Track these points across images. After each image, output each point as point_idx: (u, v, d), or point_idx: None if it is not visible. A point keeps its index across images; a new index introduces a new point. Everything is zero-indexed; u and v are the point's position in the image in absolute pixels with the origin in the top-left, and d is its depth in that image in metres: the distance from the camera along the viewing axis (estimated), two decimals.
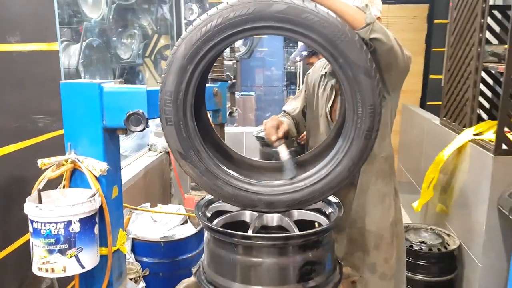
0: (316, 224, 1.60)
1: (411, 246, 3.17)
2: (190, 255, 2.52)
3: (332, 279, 1.53)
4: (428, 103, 5.99)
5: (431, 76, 6.02)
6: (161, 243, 2.42)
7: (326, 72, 2.02)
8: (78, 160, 1.52)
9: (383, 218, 2.04)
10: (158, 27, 4.48)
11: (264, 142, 2.98)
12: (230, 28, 1.34)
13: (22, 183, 1.75)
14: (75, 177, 1.58)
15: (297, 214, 1.61)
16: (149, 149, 3.77)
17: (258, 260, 1.41)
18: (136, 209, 2.56)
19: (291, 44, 7.39)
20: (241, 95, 7.33)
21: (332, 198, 1.68)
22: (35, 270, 1.43)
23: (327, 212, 1.65)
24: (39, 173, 1.51)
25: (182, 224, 2.73)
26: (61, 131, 1.98)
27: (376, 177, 2.01)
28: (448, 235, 3.29)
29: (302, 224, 1.56)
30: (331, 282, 1.51)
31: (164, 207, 2.78)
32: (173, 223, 2.67)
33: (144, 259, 2.35)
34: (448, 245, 3.16)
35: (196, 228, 2.68)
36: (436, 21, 5.86)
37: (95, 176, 1.52)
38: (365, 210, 2.02)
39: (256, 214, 1.56)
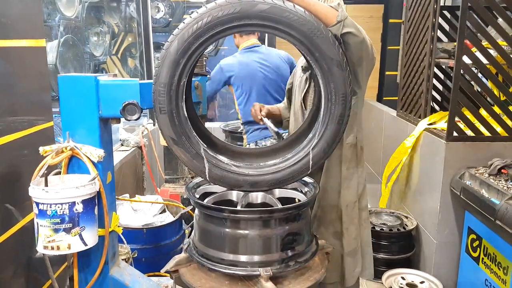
0: (296, 200, 1.79)
1: (374, 227, 3.43)
2: (170, 241, 2.65)
3: (310, 249, 1.73)
4: (384, 98, 6.34)
5: (387, 72, 6.38)
6: (143, 230, 2.55)
7: (302, 66, 2.22)
8: (77, 147, 1.64)
9: (344, 198, 2.17)
10: (126, 25, 4.54)
11: (230, 135, 3.16)
12: (219, 25, 1.50)
13: (13, 174, 1.82)
14: (72, 164, 1.69)
15: (278, 192, 1.80)
16: (122, 144, 3.85)
17: (246, 232, 1.59)
18: (118, 199, 2.66)
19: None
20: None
21: (308, 179, 1.87)
22: (40, 249, 1.54)
23: (303, 191, 1.85)
24: (29, 164, 1.59)
25: (161, 213, 2.86)
26: (50, 124, 2.08)
27: (340, 161, 2.15)
28: (406, 217, 3.59)
29: (283, 202, 1.75)
30: (309, 252, 1.71)
31: (143, 198, 2.90)
32: (152, 212, 2.79)
33: (128, 245, 2.46)
34: (407, 225, 3.45)
35: (174, 217, 2.82)
36: (391, 20, 6.22)
37: (93, 163, 1.64)
38: (328, 191, 2.16)
39: (242, 193, 1.74)
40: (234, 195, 1.78)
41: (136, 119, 1.65)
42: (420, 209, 3.45)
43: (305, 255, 1.67)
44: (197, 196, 1.79)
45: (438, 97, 3.78)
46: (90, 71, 3.51)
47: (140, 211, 2.75)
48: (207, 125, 4.76)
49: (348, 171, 2.20)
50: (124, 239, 2.10)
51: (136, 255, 2.24)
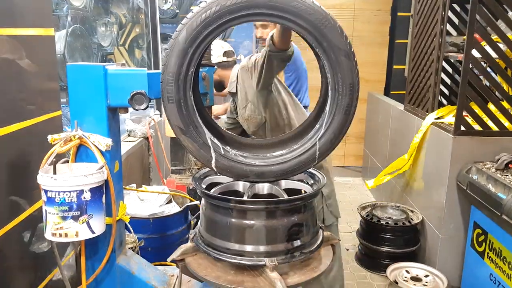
0: (303, 191, 1.79)
1: (379, 221, 3.44)
2: (176, 231, 2.67)
3: (316, 240, 1.73)
4: (392, 92, 6.30)
5: (394, 66, 6.34)
6: (149, 219, 2.56)
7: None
8: (85, 136, 1.65)
9: None
10: (133, 16, 4.54)
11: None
12: (227, 14, 1.50)
13: (22, 162, 1.84)
14: (80, 153, 1.70)
15: (284, 183, 1.80)
16: (128, 135, 3.86)
17: (251, 222, 1.59)
18: (125, 188, 2.68)
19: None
20: None
21: (314, 171, 1.88)
22: (48, 236, 1.55)
23: (309, 183, 1.85)
24: (37, 152, 1.61)
25: (167, 203, 2.87)
26: (58, 113, 2.09)
27: None
28: (412, 211, 3.59)
29: (289, 193, 1.75)
30: (314, 243, 1.71)
31: (150, 188, 2.92)
32: (159, 202, 2.81)
33: (135, 235, 2.48)
34: (412, 219, 3.45)
35: (180, 207, 2.83)
36: (399, 13, 6.16)
37: (101, 151, 1.65)
38: None
39: (248, 184, 1.74)
40: (241, 186, 1.78)
41: (144, 109, 1.66)
42: (425, 203, 3.44)
43: (310, 246, 1.67)
44: (204, 186, 1.80)
45: (446, 91, 3.76)
46: (98, 61, 3.52)
47: (146, 201, 2.76)
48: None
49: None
50: (131, 228, 2.11)
51: (142, 244, 2.26)
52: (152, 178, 4.07)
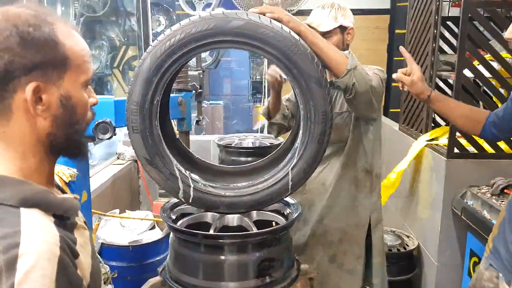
0: (273, 223, 1.71)
1: None
2: (157, 258, 2.57)
3: (289, 275, 1.63)
4: (391, 110, 6.23)
5: (393, 84, 6.27)
6: (129, 247, 2.48)
7: None
8: None
9: (352, 220, 2.23)
10: (126, 39, 4.53)
11: (225, 149, 3.08)
12: (192, 42, 1.44)
13: None
14: None
15: (256, 215, 1.71)
16: (118, 158, 3.80)
17: (218, 258, 1.50)
18: (104, 215, 2.61)
19: (256, 54, 7.58)
20: (210, 103, 7.43)
21: (290, 200, 1.79)
22: None
23: (285, 213, 1.76)
24: None
25: (150, 229, 2.79)
26: None
27: (350, 184, 2.21)
28: (408, 236, 3.46)
29: (262, 224, 1.66)
30: (288, 278, 1.62)
31: (132, 213, 2.84)
32: (141, 229, 2.72)
33: (113, 263, 2.39)
34: (407, 245, 3.32)
35: (163, 233, 2.75)
36: (397, 31, 6.12)
37: (65, 182, 1.59)
38: (334, 211, 2.22)
39: (217, 215, 1.66)
40: (210, 217, 1.70)
41: (108, 138, 1.60)
42: (421, 229, 3.32)
43: (282, 282, 1.58)
44: (174, 216, 1.72)
45: None
46: None
47: (128, 227, 2.68)
48: (205, 138, 4.71)
49: (360, 195, 2.22)
50: (101, 259, 2.03)
51: (116, 275, 2.17)
52: (142, 202, 4.00)
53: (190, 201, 1.59)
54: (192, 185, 1.57)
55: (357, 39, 7.08)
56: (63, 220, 0.84)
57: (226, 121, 7.43)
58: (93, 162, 3.68)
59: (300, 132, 1.56)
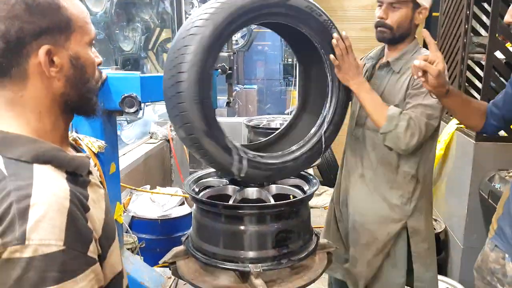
0: (291, 197, 1.76)
1: None
2: (185, 232, 2.67)
3: (307, 247, 1.68)
4: None
5: None
6: (158, 220, 2.60)
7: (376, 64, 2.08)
8: (79, 138, 1.68)
9: (387, 227, 2.01)
10: (159, 21, 4.63)
11: (253, 130, 3.14)
12: (252, 11, 1.49)
13: None
14: None
15: (275, 189, 1.77)
16: (150, 137, 3.94)
17: (237, 228, 1.57)
18: (136, 189, 2.74)
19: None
20: (244, 88, 7.48)
21: (309, 176, 1.84)
22: None
23: (304, 188, 1.81)
24: None
25: (180, 205, 2.90)
26: None
27: (389, 187, 1.99)
28: (435, 219, 3.43)
29: (280, 198, 1.72)
30: (305, 250, 1.67)
31: (163, 189, 2.96)
32: (171, 204, 2.84)
33: (143, 235, 2.52)
34: (434, 228, 3.30)
35: (191, 209, 2.85)
36: (434, 13, 5.93)
37: (94, 153, 1.69)
38: (368, 214, 2.04)
39: (237, 188, 1.73)
40: (230, 190, 1.77)
41: (134, 112, 1.68)
42: (449, 212, 3.29)
43: (299, 253, 1.63)
44: (197, 189, 1.80)
45: (477, 95, 3.57)
46: (119, 65, 3.61)
47: (158, 203, 2.80)
48: (237, 120, 4.79)
49: (398, 200, 1.98)
50: (129, 229, 2.14)
51: (143, 245, 2.29)
52: (173, 180, 4.13)
53: (243, 174, 1.56)
54: (246, 156, 1.55)
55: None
56: (76, 176, 0.89)
57: (259, 104, 7.48)
58: (129, 141, 3.84)
59: (328, 99, 1.66)
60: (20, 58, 0.85)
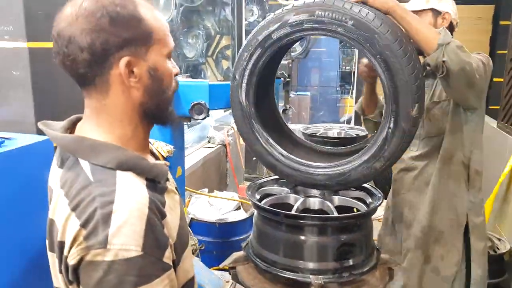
0: (355, 210, 1.74)
1: None
2: (241, 236, 2.72)
3: (368, 262, 1.66)
4: (490, 107, 5.82)
5: (494, 79, 5.83)
6: (216, 224, 2.65)
7: None
8: (150, 142, 1.75)
9: (446, 219, 2.09)
10: (220, 28, 4.73)
11: (310, 138, 3.12)
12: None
13: None
14: None
15: (338, 200, 1.76)
16: (208, 141, 4.03)
17: (299, 237, 1.58)
18: (195, 192, 2.81)
19: (347, 45, 7.46)
20: (297, 94, 7.47)
21: (373, 189, 1.81)
22: None
23: (367, 202, 1.78)
24: None
25: (236, 210, 2.95)
26: None
27: (448, 178, 2.06)
28: (499, 239, 3.27)
29: (343, 210, 1.71)
30: (367, 265, 1.65)
31: (220, 193, 3.01)
32: (227, 208, 2.89)
33: (201, 238, 2.58)
34: (498, 248, 3.14)
35: (247, 214, 2.89)
36: (501, 22, 5.67)
37: (163, 157, 1.75)
38: (431, 210, 2.09)
39: (299, 197, 1.73)
40: (292, 199, 1.78)
41: (203, 119, 1.73)
42: None
43: (361, 267, 1.61)
44: (258, 196, 1.82)
45: None
46: (182, 71, 3.73)
47: (215, 206, 2.86)
48: (290, 127, 4.80)
49: (457, 189, 2.06)
50: (191, 231, 2.20)
51: (203, 247, 2.34)
52: (228, 184, 4.19)
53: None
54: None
55: (458, 30, 6.68)
56: (155, 183, 0.92)
57: (312, 111, 7.45)
58: (187, 144, 3.95)
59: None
60: (104, 68, 0.89)
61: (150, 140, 1.77)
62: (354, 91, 5.77)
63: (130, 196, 0.85)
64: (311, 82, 8.50)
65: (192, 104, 1.72)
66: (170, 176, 1.05)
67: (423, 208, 2.10)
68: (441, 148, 2.05)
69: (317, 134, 3.43)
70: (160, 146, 1.75)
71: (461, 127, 2.00)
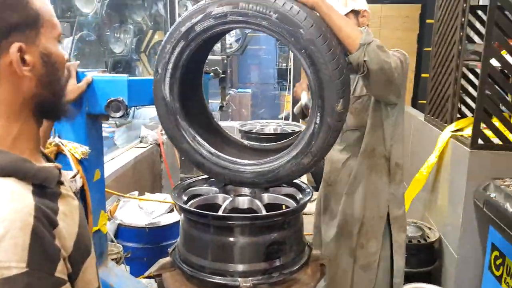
0: (283, 207, 1.69)
1: None
2: (174, 241, 2.59)
3: (299, 260, 1.62)
4: (419, 101, 6.07)
5: (422, 75, 6.10)
6: (145, 228, 2.52)
7: None
8: (62, 143, 1.61)
9: (369, 210, 2.16)
10: (152, 23, 4.56)
11: (246, 135, 3.07)
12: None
13: None
14: (59, 160, 1.66)
15: (267, 198, 1.70)
16: (140, 141, 3.86)
17: (226, 239, 1.51)
18: (123, 196, 2.66)
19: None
20: (238, 91, 7.44)
21: (303, 185, 1.77)
22: None
23: (297, 198, 1.75)
24: None
25: (169, 212, 2.83)
26: None
27: (370, 171, 2.14)
28: (430, 228, 3.39)
29: (272, 208, 1.65)
30: (298, 263, 1.61)
31: (151, 196, 2.88)
32: (160, 211, 2.76)
33: (130, 244, 2.44)
34: (428, 237, 3.25)
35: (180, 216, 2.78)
36: (428, 20, 5.93)
37: (77, 159, 1.61)
38: (354, 202, 2.17)
39: (228, 197, 1.66)
40: (220, 199, 1.70)
41: (120, 117, 1.61)
42: (443, 221, 3.24)
43: (291, 266, 1.57)
44: (185, 198, 1.73)
45: (471, 102, 3.54)
46: (109, 67, 3.54)
47: (146, 210, 2.72)
48: (230, 124, 4.72)
49: (378, 182, 2.14)
50: (114, 239, 2.06)
51: (129, 255, 2.21)
52: (164, 186, 4.05)
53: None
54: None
55: (387, 28, 6.92)
56: (44, 189, 0.82)
57: (253, 109, 7.44)
58: (117, 144, 3.76)
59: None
60: None
61: (63, 141, 1.63)
62: (291, 88, 5.84)
63: (10, 205, 0.73)
64: (251, 79, 8.50)
65: (109, 100, 1.60)
66: (66, 179, 0.93)
67: (347, 200, 2.17)
68: (363, 141, 2.11)
69: (253, 131, 3.38)
70: (74, 147, 1.61)
71: (382, 122, 2.07)
